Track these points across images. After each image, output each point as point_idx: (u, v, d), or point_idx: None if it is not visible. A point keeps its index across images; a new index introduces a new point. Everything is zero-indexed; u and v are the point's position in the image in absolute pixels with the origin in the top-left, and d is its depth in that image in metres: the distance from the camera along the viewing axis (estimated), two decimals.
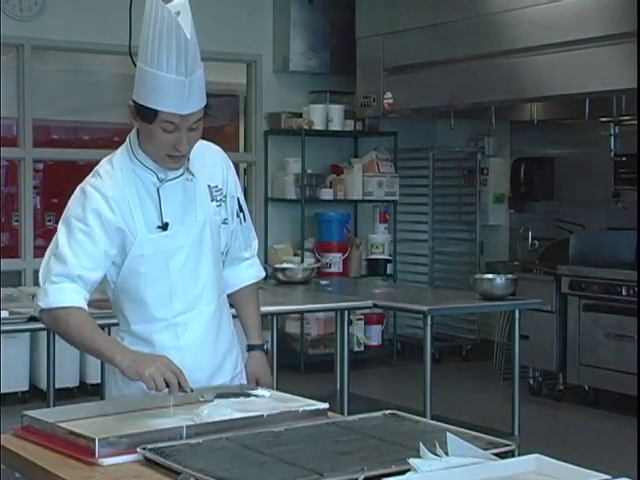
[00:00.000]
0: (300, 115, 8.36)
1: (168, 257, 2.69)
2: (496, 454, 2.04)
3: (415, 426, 2.35)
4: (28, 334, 6.71)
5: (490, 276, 5.40)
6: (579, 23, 6.27)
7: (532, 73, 6.62)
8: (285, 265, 6.24)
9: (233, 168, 2.90)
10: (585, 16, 6.24)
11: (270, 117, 8.50)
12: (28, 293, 6.50)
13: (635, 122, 6.69)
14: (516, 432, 5.29)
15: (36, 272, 8.73)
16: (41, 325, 4.84)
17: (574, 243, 7.19)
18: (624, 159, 7.22)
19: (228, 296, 2.91)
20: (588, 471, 1.90)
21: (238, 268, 2.95)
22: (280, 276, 5.91)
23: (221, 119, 10.57)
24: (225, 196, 2.81)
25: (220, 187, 2.80)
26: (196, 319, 2.75)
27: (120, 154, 2.73)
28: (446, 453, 1.94)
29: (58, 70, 9.27)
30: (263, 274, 3.05)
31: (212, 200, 2.77)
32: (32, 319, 4.48)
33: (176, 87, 2.58)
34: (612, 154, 7.31)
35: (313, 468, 1.97)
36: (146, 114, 2.61)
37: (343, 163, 8.63)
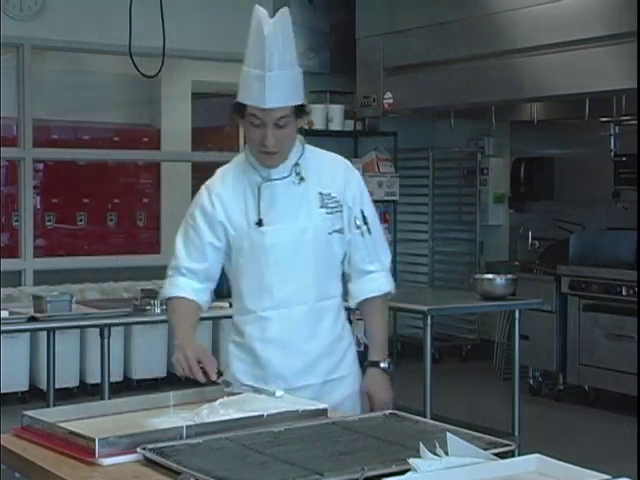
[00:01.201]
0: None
1: (262, 253, 2.82)
2: (496, 454, 2.04)
3: (415, 426, 2.35)
4: (28, 334, 6.71)
5: (490, 276, 5.40)
6: (579, 23, 6.27)
7: (532, 73, 6.62)
8: None
9: (360, 181, 2.95)
10: (585, 16, 6.24)
11: None
12: (28, 293, 6.52)
13: (635, 122, 6.69)
14: (516, 432, 5.29)
15: (36, 272, 8.68)
16: (41, 325, 4.86)
17: (574, 243, 7.19)
18: (624, 159, 7.21)
19: (357, 308, 3.00)
20: (588, 471, 1.90)
21: (362, 280, 2.96)
22: None
23: (221, 119, 10.58)
24: (341, 206, 2.87)
25: (334, 196, 2.86)
26: (285, 316, 2.83)
27: (241, 153, 2.93)
28: (446, 453, 1.94)
29: (58, 70, 9.28)
30: (388, 288, 3.02)
31: (322, 207, 2.85)
32: (32, 319, 4.49)
33: (256, 81, 2.73)
34: (612, 154, 7.31)
35: (313, 468, 1.97)
36: (238, 109, 2.78)
37: None
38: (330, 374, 2.90)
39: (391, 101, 7.75)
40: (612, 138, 7.28)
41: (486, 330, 8.41)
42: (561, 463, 1.96)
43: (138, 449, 2.10)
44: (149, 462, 2.07)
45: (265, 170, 2.83)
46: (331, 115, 8.35)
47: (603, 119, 7.12)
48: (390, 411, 2.47)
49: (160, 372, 7.40)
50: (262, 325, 2.85)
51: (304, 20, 8.30)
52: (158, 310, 4.73)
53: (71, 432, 2.20)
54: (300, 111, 2.79)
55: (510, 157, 8.67)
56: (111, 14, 7.39)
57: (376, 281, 2.98)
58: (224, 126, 10.53)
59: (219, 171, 2.94)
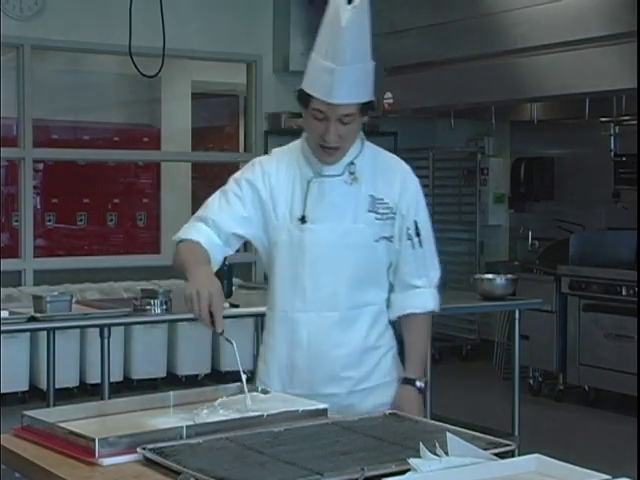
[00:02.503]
0: (300, 115, 8.28)
1: (300, 251, 2.70)
2: (496, 454, 2.04)
3: (415, 426, 2.35)
4: (28, 334, 6.71)
5: (490, 276, 5.40)
6: (579, 23, 6.26)
7: (532, 73, 6.62)
8: None
9: (418, 190, 2.81)
10: (585, 16, 6.24)
11: (270, 117, 8.50)
12: (28, 293, 6.52)
13: (635, 122, 6.69)
14: (516, 432, 5.29)
15: (36, 272, 8.66)
16: (41, 325, 4.85)
17: (574, 243, 7.19)
18: (624, 159, 7.22)
19: (397, 322, 2.86)
20: (588, 471, 1.90)
21: (406, 294, 2.82)
22: None
23: (221, 119, 10.59)
24: (394, 213, 2.73)
25: (387, 202, 2.73)
26: (315, 321, 2.71)
27: (299, 140, 2.80)
28: (446, 453, 1.94)
29: (58, 70, 9.28)
30: (432, 307, 2.87)
31: (371, 211, 2.71)
32: (32, 319, 4.49)
33: (326, 73, 2.58)
34: (612, 154, 7.31)
35: (313, 468, 1.96)
36: (303, 97, 2.66)
37: None
38: (359, 384, 2.77)
39: (391, 101, 7.74)
40: (612, 138, 7.29)
41: (486, 330, 8.41)
42: (561, 463, 1.95)
43: (138, 449, 2.10)
44: (149, 462, 2.07)
45: (319, 165, 2.71)
46: None
47: (603, 119, 7.12)
48: (390, 411, 2.47)
49: (160, 372, 7.40)
50: (291, 327, 2.74)
51: (304, 20, 8.30)
52: (158, 310, 4.72)
53: (71, 432, 2.20)
54: (367, 107, 2.65)
55: (510, 157, 8.68)
56: (111, 14, 7.39)
57: (420, 297, 2.84)
58: (224, 126, 10.55)
59: (274, 153, 2.82)
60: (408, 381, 2.82)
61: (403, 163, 2.86)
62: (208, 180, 10.40)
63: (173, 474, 1.97)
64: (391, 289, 2.83)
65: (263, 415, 2.36)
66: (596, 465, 1.97)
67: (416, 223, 2.78)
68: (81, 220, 9.32)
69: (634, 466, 4.49)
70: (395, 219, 2.74)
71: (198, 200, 9.98)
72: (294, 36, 8.30)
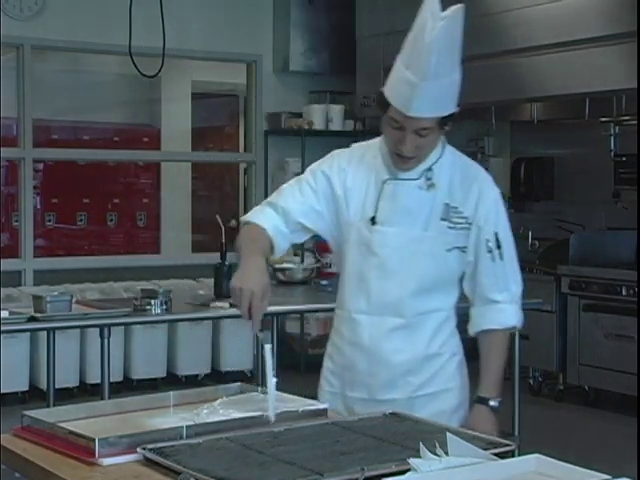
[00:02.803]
0: (300, 115, 8.36)
1: (368, 252, 2.65)
2: (496, 454, 2.04)
3: (415, 426, 2.35)
4: (28, 334, 6.70)
5: None
6: (579, 23, 6.26)
7: (532, 73, 6.62)
8: (285, 265, 6.23)
9: (497, 201, 2.72)
10: (585, 16, 6.24)
11: (270, 117, 8.50)
12: (28, 293, 6.52)
13: (635, 122, 6.69)
14: (516, 432, 5.29)
15: (36, 272, 8.66)
16: (41, 325, 4.85)
17: (574, 243, 7.19)
18: (624, 159, 7.21)
19: (474, 338, 2.78)
20: (588, 471, 1.90)
21: (486, 309, 2.72)
22: (280, 276, 5.91)
23: (221, 119, 10.59)
24: (469, 224, 2.65)
25: (462, 211, 2.65)
26: (378, 325, 2.66)
27: (378, 139, 2.72)
28: (446, 453, 1.94)
29: (58, 70, 9.29)
30: (513, 322, 2.74)
31: (444, 219, 2.64)
32: (32, 319, 4.48)
33: (406, 84, 2.50)
34: (612, 154, 7.30)
35: (313, 468, 1.97)
36: (382, 101, 2.57)
37: None
38: (419, 390, 2.72)
39: None
40: (612, 138, 7.28)
41: None
42: (561, 463, 1.96)
43: (138, 449, 2.10)
44: (149, 462, 2.07)
45: (395, 169, 2.65)
46: (331, 115, 8.35)
47: (603, 119, 7.12)
48: (390, 411, 2.47)
49: (160, 372, 7.40)
50: (353, 328, 2.70)
51: (304, 20, 8.31)
52: (158, 310, 4.72)
53: (71, 432, 2.20)
54: (447, 119, 2.58)
55: (510, 157, 8.67)
56: (111, 14, 7.39)
57: (500, 313, 2.71)
58: (224, 126, 10.55)
59: (354, 149, 2.77)
60: (481, 400, 2.78)
61: (483, 171, 2.78)
62: (208, 180, 10.42)
63: (173, 474, 1.97)
64: (471, 303, 2.75)
65: (263, 415, 2.36)
66: (596, 465, 1.97)
67: (497, 235, 2.67)
68: (81, 220, 9.32)
69: (634, 466, 4.49)
70: (470, 230, 2.66)
71: (198, 200, 10.03)
72: (294, 36, 8.30)
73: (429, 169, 2.65)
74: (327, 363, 2.84)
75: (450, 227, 2.64)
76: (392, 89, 2.54)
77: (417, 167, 2.64)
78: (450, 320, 2.76)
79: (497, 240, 2.67)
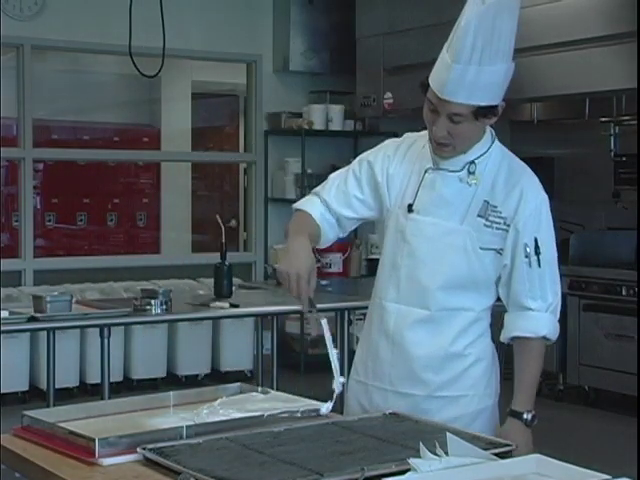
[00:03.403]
0: (300, 115, 8.36)
1: (402, 240, 2.64)
2: (496, 454, 2.04)
3: (415, 426, 2.35)
4: (28, 334, 6.70)
5: None
6: (579, 23, 6.26)
7: (532, 73, 6.61)
8: None
9: (539, 205, 2.66)
10: (585, 16, 6.24)
11: (270, 117, 8.50)
12: (28, 293, 6.52)
13: (635, 122, 6.69)
14: None
15: (36, 272, 8.67)
16: (41, 325, 4.86)
17: (574, 243, 7.19)
18: (624, 159, 7.21)
19: (509, 345, 2.72)
20: (588, 471, 1.90)
21: (518, 316, 2.64)
22: None
23: (221, 119, 10.59)
24: (507, 225, 2.57)
25: (501, 211, 2.58)
26: (404, 315, 2.63)
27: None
28: (446, 453, 1.94)
29: (58, 70, 9.29)
30: (545, 331, 2.67)
31: (481, 216, 2.58)
32: (32, 319, 4.49)
33: (443, 67, 2.51)
34: (612, 154, 7.30)
35: (313, 468, 1.97)
36: (424, 83, 2.58)
37: (343, 163, 8.58)
38: (439, 390, 2.64)
39: (391, 101, 7.74)
40: (612, 138, 7.28)
41: None
42: (561, 463, 1.96)
43: (138, 449, 2.10)
44: (149, 462, 2.07)
45: (438, 159, 2.61)
46: (331, 115, 8.35)
47: (603, 119, 7.12)
48: (390, 411, 2.47)
49: (160, 372, 7.40)
50: (382, 315, 2.67)
51: (304, 20, 8.31)
52: (158, 310, 4.72)
53: (71, 432, 2.20)
54: (484, 111, 2.51)
55: None
56: (111, 14, 7.39)
57: (532, 320, 2.63)
58: (224, 126, 10.54)
59: (405, 138, 2.77)
60: (514, 414, 2.72)
61: (530, 175, 2.71)
62: (208, 180, 10.42)
63: (173, 474, 1.97)
64: (505, 308, 2.68)
65: (263, 415, 2.36)
66: (596, 465, 1.97)
67: (536, 240, 2.58)
68: (81, 220, 9.32)
69: (634, 466, 4.49)
70: (508, 232, 2.58)
71: (198, 200, 10.03)
72: (294, 36, 8.30)
73: (472, 162, 2.60)
74: (357, 351, 2.83)
75: (486, 225, 2.58)
76: (434, 71, 2.56)
77: (458, 158, 2.60)
78: (480, 322, 2.68)
79: (537, 246, 2.59)
